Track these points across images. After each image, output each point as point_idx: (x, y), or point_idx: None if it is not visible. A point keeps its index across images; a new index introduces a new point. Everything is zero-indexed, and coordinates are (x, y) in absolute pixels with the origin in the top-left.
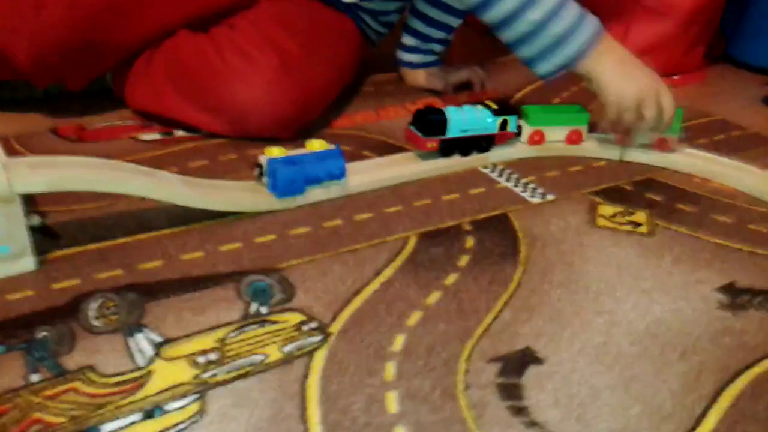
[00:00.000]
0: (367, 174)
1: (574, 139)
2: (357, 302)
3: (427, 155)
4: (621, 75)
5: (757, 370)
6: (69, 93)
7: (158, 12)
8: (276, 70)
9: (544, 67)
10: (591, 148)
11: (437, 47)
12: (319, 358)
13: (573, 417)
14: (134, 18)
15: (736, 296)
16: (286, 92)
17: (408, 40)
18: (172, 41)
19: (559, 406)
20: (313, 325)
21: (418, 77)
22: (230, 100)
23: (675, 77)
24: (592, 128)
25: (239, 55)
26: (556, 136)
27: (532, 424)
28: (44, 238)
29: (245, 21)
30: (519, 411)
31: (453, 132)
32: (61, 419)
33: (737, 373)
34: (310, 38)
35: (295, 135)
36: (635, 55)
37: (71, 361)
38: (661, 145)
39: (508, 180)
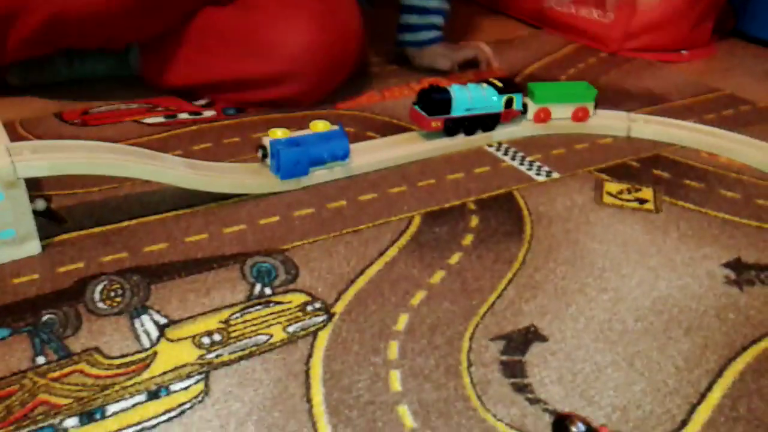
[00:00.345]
0: (371, 154)
1: (580, 116)
2: (361, 282)
3: (431, 134)
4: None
5: (762, 345)
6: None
7: None
8: (321, 14)
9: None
10: (597, 125)
11: (437, 19)
12: (323, 338)
13: (577, 393)
14: None
15: (742, 272)
16: (331, 33)
17: (406, 18)
18: (203, 16)
19: (562, 382)
20: (317, 305)
21: (423, 57)
22: (282, 42)
23: (684, 52)
24: (599, 104)
25: (282, 6)
26: (562, 113)
27: (536, 400)
28: (49, 221)
29: None
30: (522, 388)
31: (458, 111)
32: (67, 400)
33: (742, 349)
34: None
35: (334, 85)
36: None
37: (77, 343)
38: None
39: (513, 158)
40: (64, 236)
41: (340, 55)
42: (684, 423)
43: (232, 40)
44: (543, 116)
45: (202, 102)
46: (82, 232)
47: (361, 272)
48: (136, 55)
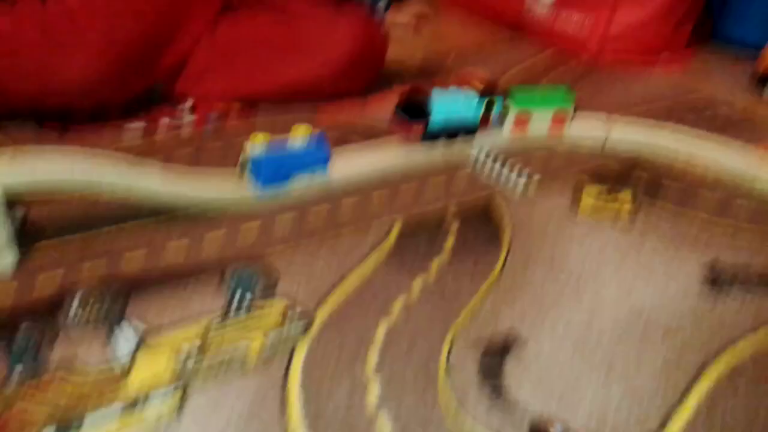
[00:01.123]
0: (352, 160)
1: (559, 119)
2: (341, 289)
3: (412, 140)
4: None
5: (738, 349)
6: None
7: (198, 13)
8: (359, 19)
9: None
10: (577, 128)
11: None
12: (302, 347)
13: (555, 399)
14: (178, 27)
15: (718, 275)
16: (368, 36)
17: None
18: (227, 31)
19: (541, 388)
20: (297, 312)
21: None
22: (334, 45)
23: (662, 56)
24: (578, 108)
25: (322, 13)
26: (542, 117)
27: (514, 406)
28: (27, 230)
29: None
30: (501, 393)
31: (439, 116)
32: (44, 411)
33: (719, 352)
34: None
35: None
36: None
37: (54, 354)
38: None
39: (494, 162)
40: (42, 244)
41: (377, 51)
42: (661, 427)
43: (279, 50)
44: (523, 120)
45: (184, 107)
46: (61, 241)
47: (342, 278)
48: None
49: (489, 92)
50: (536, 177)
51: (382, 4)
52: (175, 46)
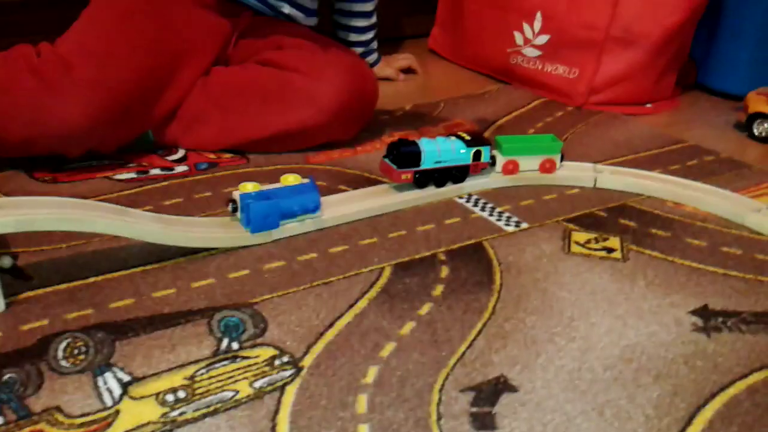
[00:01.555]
0: (341, 207)
1: (547, 167)
2: (330, 335)
3: (401, 187)
4: None
5: (731, 391)
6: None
7: (192, 64)
8: (349, 65)
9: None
10: (565, 176)
11: (374, 43)
12: (291, 393)
13: None
14: (172, 77)
15: (709, 319)
16: (359, 81)
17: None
18: (218, 81)
19: None
20: (285, 359)
21: (376, 73)
22: (322, 95)
23: (648, 105)
24: (565, 156)
25: (312, 61)
26: (529, 165)
27: None
28: (15, 279)
29: (288, 41)
30: None
31: (427, 163)
32: None
33: (711, 396)
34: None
35: (360, 128)
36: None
37: (38, 403)
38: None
39: (483, 209)
40: (30, 293)
41: (368, 98)
42: None
43: (269, 100)
44: (511, 168)
45: (175, 157)
46: (48, 289)
47: (331, 325)
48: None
49: (476, 142)
50: (524, 225)
51: (371, 59)
52: (168, 95)
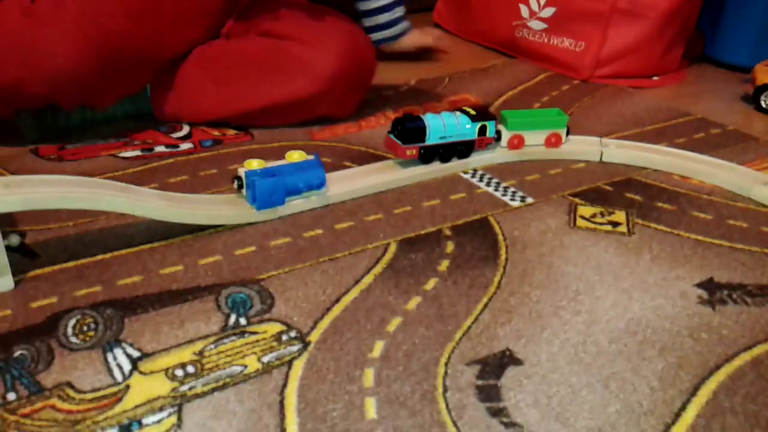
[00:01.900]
0: (347, 183)
1: (553, 142)
2: (337, 310)
3: (407, 162)
4: None
5: (735, 363)
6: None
7: (190, 25)
8: (347, 36)
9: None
10: (570, 150)
11: (401, 10)
12: (298, 368)
13: (552, 416)
14: (163, 35)
15: (714, 291)
16: (357, 53)
17: (375, 19)
18: (220, 49)
19: (538, 405)
20: (293, 334)
21: (401, 45)
22: (316, 65)
23: (654, 78)
24: (571, 130)
25: (309, 31)
26: (535, 139)
27: (512, 424)
28: (23, 257)
29: (286, 11)
30: (498, 412)
31: (432, 139)
32: None
33: (716, 368)
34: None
35: (358, 101)
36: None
37: (48, 379)
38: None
39: (488, 184)
40: (38, 271)
41: (365, 69)
42: None
43: (267, 71)
44: (516, 143)
45: (180, 134)
46: (56, 267)
47: (337, 300)
48: (148, 94)
49: (481, 117)
50: (529, 200)
51: (401, 27)
52: (162, 51)
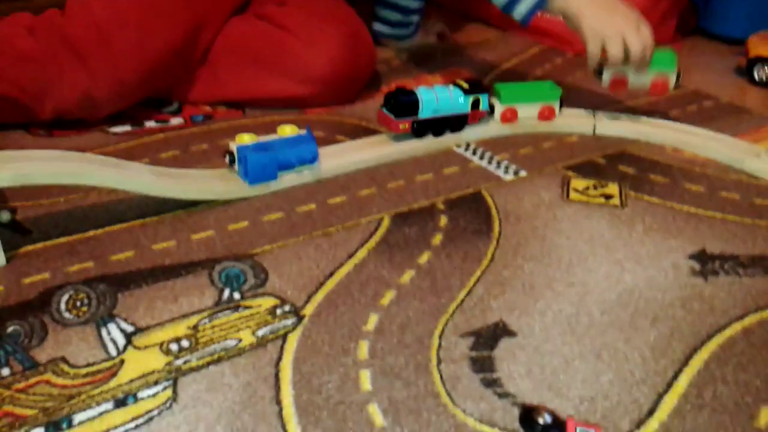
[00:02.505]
0: (339, 157)
1: (546, 115)
2: (331, 284)
3: (400, 136)
4: (596, 8)
5: (727, 333)
6: None
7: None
8: (346, 34)
9: (520, 9)
10: (564, 123)
11: (416, 18)
12: (293, 341)
13: (545, 386)
14: (199, 33)
15: (706, 262)
16: (355, 50)
17: (388, 14)
18: (226, 35)
19: (531, 376)
20: (287, 308)
21: (402, 45)
22: (313, 64)
23: None
24: (564, 103)
25: (309, 27)
26: (528, 112)
27: (505, 395)
28: (14, 233)
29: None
30: (492, 383)
31: (425, 113)
32: (33, 411)
33: (707, 337)
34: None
35: (355, 94)
36: None
37: (42, 354)
38: (659, 88)
39: (481, 158)
40: (30, 247)
41: (361, 71)
42: (651, 412)
43: (262, 63)
44: (509, 116)
45: (170, 109)
46: (48, 243)
47: (331, 274)
48: None
49: (475, 90)
50: (523, 173)
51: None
52: (193, 54)
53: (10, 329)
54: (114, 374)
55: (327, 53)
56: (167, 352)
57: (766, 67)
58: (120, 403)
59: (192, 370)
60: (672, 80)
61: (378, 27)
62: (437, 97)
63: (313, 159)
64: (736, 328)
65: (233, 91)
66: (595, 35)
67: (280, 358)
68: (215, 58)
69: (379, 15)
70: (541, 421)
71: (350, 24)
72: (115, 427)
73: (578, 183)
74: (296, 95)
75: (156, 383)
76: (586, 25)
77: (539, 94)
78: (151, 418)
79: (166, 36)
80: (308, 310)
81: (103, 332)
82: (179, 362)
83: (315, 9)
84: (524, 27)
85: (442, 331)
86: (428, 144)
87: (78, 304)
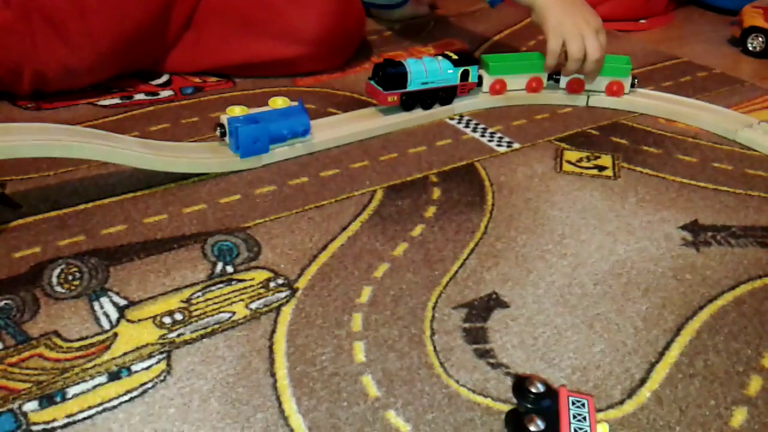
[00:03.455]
0: (331, 130)
1: (534, 86)
2: (324, 257)
3: (392, 109)
4: (563, 6)
5: (718, 303)
6: None
7: None
8: None
9: None
10: (557, 95)
11: None
12: (287, 314)
13: (537, 356)
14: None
15: (699, 233)
16: (343, 11)
17: None
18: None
19: (524, 346)
20: (280, 281)
21: (397, 14)
22: (301, 26)
23: (642, 21)
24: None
25: None
26: (516, 84)
27: (498, 365)
28: (3, 207)
29: None
30: (485, 353)
31: (414, 85)
32: (26, 385)
33: (699, 308)
34: None
35: (347, 58)
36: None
37: (35, 328)
38: (614, 90)
39: (474, 130)
40: (20, 221)
41: (352, 31)
42: (643, 381)
43: (250, 26)
44: (498, 88)
45: (160, 81)
46: (38, 217)
47: (324, 247)
48: None
49: (464, 61)
50: (516, 145)
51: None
52: (174, 21)
53: (1, 303)
54: (107, 347)
55: (316, 13)
56: (160, 325)
57: (760, 38)
58: (114, 377)
59: (186, 342)
60: (626, 85)
61: None
62: (426, 68)
63: (305, 131)
64: (728, 298)
65: (221, 57)
66: (557, 33)
67: (273, 331)
68: (200, 22)
69: None
70: (533, 390)
71: None
72: (109, 400)
73: (571, 155)
74: (286, 56)
75: (150, 356)
76: (552, 20)
77: (527, 65)
78: (145, 391)
79: (143, 3)
80: (301, 283)
81: (96, 306)
82: (173, 335)
83: None
84: (492, 8)
85: (436, 302)
86: (421, 116)
87: (70, 278)
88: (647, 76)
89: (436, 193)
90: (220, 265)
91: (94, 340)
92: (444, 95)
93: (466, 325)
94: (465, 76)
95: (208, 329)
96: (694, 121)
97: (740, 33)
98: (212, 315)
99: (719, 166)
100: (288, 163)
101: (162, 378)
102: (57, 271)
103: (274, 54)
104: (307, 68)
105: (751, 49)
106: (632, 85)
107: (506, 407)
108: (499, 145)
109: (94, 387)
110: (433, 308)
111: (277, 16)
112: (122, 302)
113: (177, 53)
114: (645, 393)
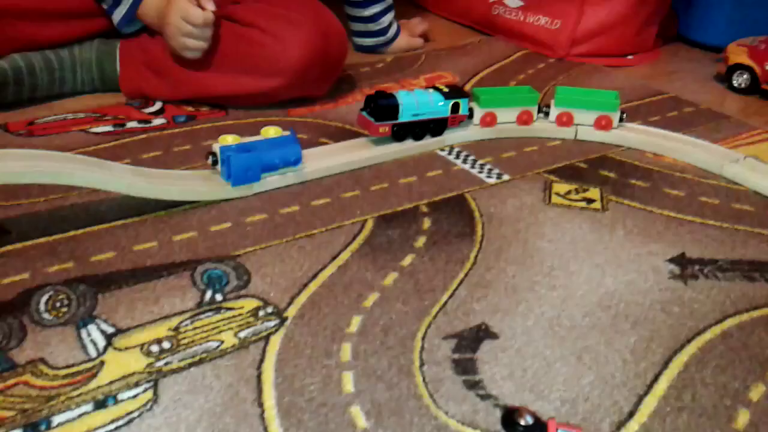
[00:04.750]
0: (323, 160)
1: (524, 119)
2: (314, 286)
3: (383, 140)
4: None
5: (706, 336)
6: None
7: None
8: (314, 24)
9: None
10: (546, 128)
11: (391, 16)
12: (275, 343)
13: (527, 388)
14: None
15: (686, 266)
16: (326, 40)
17: (363, 26)
18: None
19: (513, 378)
20: (269, 310)
21: (394, 49)
22: (282, 58)
23: (629, 57)
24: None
25: (276, 21)
26: (507, 117)
27: (487, 396)
28: None
29: None
30: (474, 385)
31: (405, 116)
32: (11, 413)
33: (687, 341)
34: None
35: (330, 85)
36: None
37: (21, 355)
38: (603, 124)
39: (464, 162)
40: (9, 247)
41: (335, 58)
42: (631, 414)
43: (226, 57)
44: (489, 120)
45: (152, 110)
46: (27, 243)
47: (314, 276)
48: (116, 70)
49: (454, 94)
50: (505, 177)
51: (391, 33)
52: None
53: None
54: (94, 375)
55: (295, 44)
56: (148, 353)
57: (745, 75)
58: (100, 405)
59: (173, 371)
60: (615, 120)
61: (357, 41)
62: (417, 100)
63: (297, 161)
64: (715, 331)
65: (207, 88)
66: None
67: (262, 360)
68: (176, 55)
69: (353, 30)
70: (522, 422)
71: (318, 13)
72: (95, 429)
73: (560, 187)
74: (268, 87)
75: (137, 385)
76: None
77: (517, 99)
78: (131, 420)
79: None
80: (291, 312)
81: (83, 333)
82: (160, 364)
83: (278, 1)
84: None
85: (425, 333)
86: (412, 147)
87: (57, 304)
88: (634, 111)
89: (427, 223)
90: (209, 293)
91: (80, 367)
92: (435, 127)
93: (456, 355)
94: (455, 108)
95: (196, 358)
96: (681, 155)
97: (726, 70)
98: (200, 343)
99: (706, 200)
100: (279, 192)
101: (148, 407)
102: (45, 297)
103: (256, 86)
104: (293, 95)
105: (736, 85)
106: (621, 120)
107: None
108: (488, 177)
109: (80, 416)
110: (423, 338)
111: (256, 47)
112: (110, 330)
113: (164, 82)
114: (634, 426)
